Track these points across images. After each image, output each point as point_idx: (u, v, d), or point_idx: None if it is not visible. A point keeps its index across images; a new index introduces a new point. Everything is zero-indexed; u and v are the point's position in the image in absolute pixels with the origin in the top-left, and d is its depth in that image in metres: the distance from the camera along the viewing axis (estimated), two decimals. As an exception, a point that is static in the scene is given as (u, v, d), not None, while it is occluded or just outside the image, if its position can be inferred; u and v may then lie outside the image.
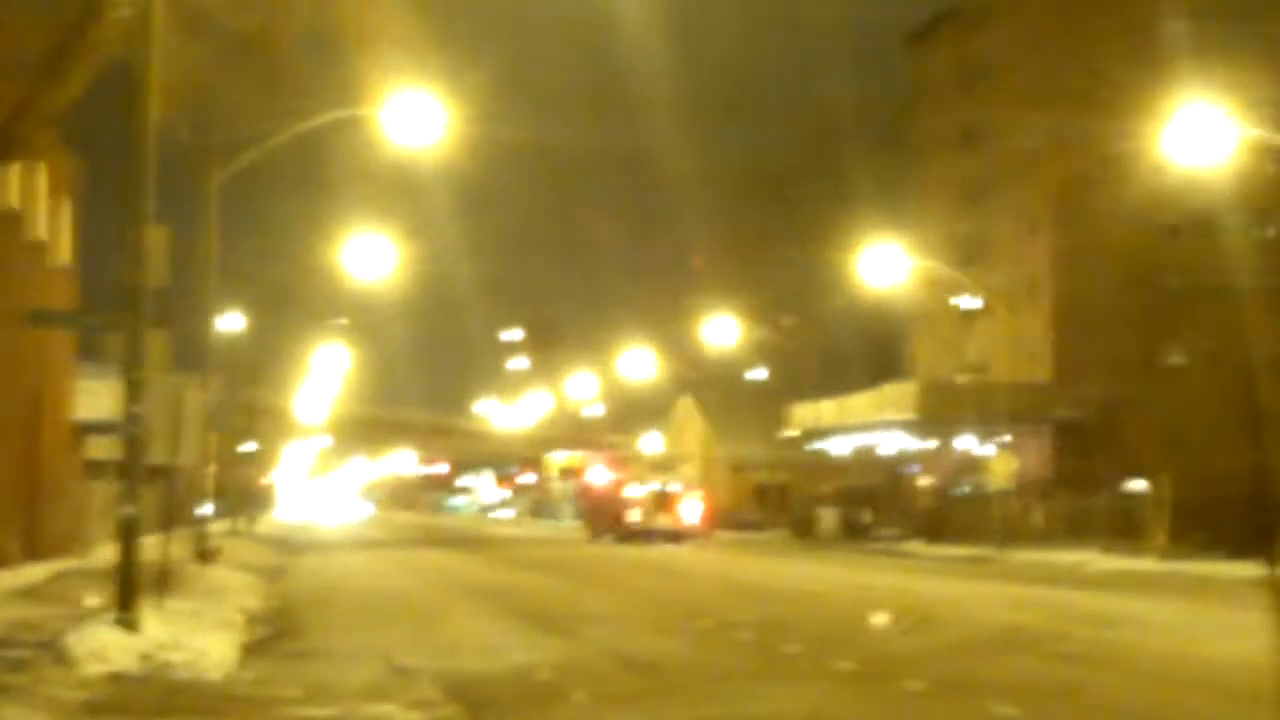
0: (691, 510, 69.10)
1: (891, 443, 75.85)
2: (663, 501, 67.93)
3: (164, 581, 20.38)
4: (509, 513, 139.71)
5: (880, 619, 22.98)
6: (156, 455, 19.75)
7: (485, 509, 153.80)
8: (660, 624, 22.65)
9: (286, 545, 57.47)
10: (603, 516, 70.89)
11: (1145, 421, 62.84)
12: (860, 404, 76.58)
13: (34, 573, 28.52)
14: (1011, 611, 24.77)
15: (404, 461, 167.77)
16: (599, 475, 75.36)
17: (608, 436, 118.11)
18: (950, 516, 65.28)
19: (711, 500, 73.11)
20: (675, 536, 64.90)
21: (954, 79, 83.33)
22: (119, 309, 17.68)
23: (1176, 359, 71.33)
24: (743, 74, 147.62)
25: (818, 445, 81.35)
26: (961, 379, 76.33)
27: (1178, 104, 37.18)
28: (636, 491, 68.36)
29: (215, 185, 32.32)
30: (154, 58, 17.20)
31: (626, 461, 74.97)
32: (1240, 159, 40.49)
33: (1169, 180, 52.91)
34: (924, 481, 75.00)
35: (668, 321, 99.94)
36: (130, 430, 16.78)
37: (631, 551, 55.71)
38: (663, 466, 73.32)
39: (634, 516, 67.39)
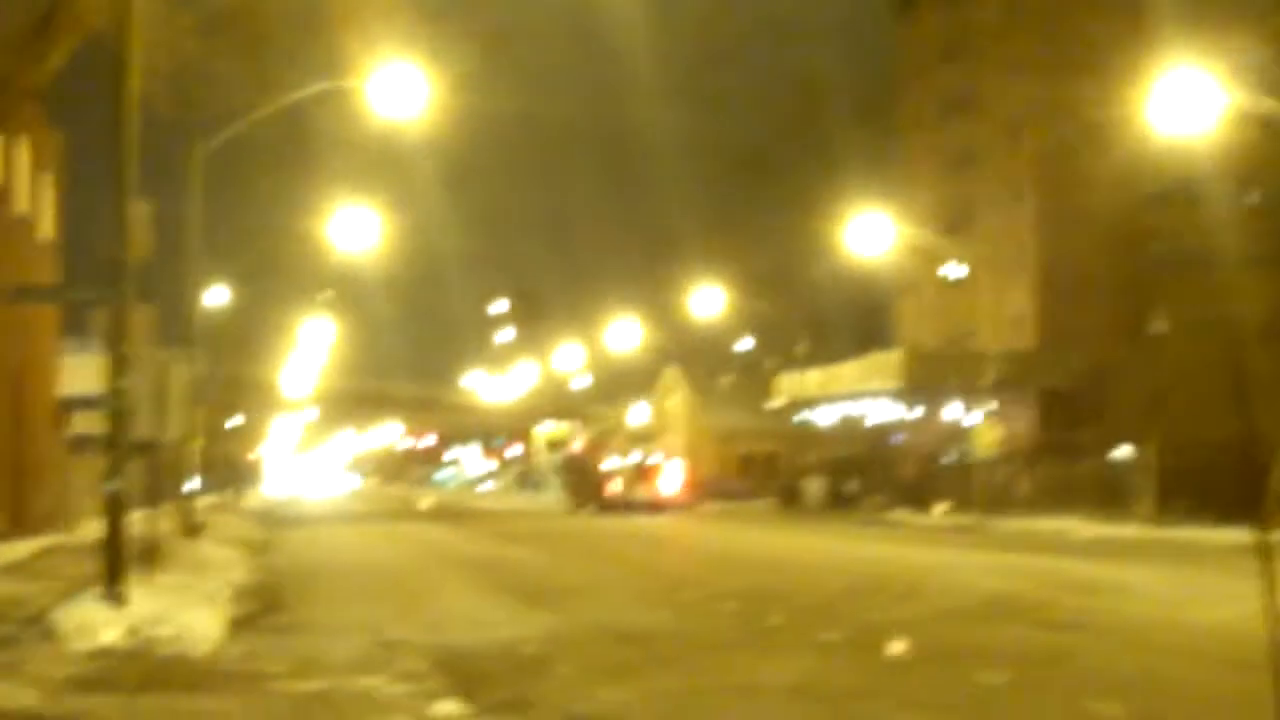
0: (671, 481, 69.88)
1: (878, 411, 75.96)
2: (643, 473, 68.97)
3: (151, 556, 20.37)
4: (492, 485, 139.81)
5: (867, 588, 23.03)
6: (142, 430, 19.71)
7: (471, 482, 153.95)
8: (647, 596, 22.67)
9: (273, 520, 57.49)
10: (584, 488, 71.44)
11: (1130, 389, 62.97)
12: (846, 373, 76.70)
13: (20, 549, 28.50)
14: (998, 579, 24.80)
15: (391, 434, 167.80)
16: (580, 447, 76.30)
17: (594, 407, 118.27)
18: (936, 485, 65.39)
19: (694, 471, 73.51)
20: (655, 507, 65.59)
21: (939, 47, 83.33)
22: (103, 283, 17.61)
23: (1161, 326, 71.43)
24: (726, 44, 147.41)
25: (804, 415, 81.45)
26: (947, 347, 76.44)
27: (1163, 70, 37.15)
28: (617, 464, 69.18)
29: (199, 158, 32.23)
30: (135, 30, 17.09)
31: (607, 434, 76.08)
32: (1225, 125, 40.49)
33: (1154, 147, 52.89)
34: (910, 449, 75.15)
35: (653, 292, 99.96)
36: (115, 405, 16.73)
37: (617, 523, 55.77)
38: (643, 438, 74.27)
39: (614, 488, 68.45)
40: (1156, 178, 67.97)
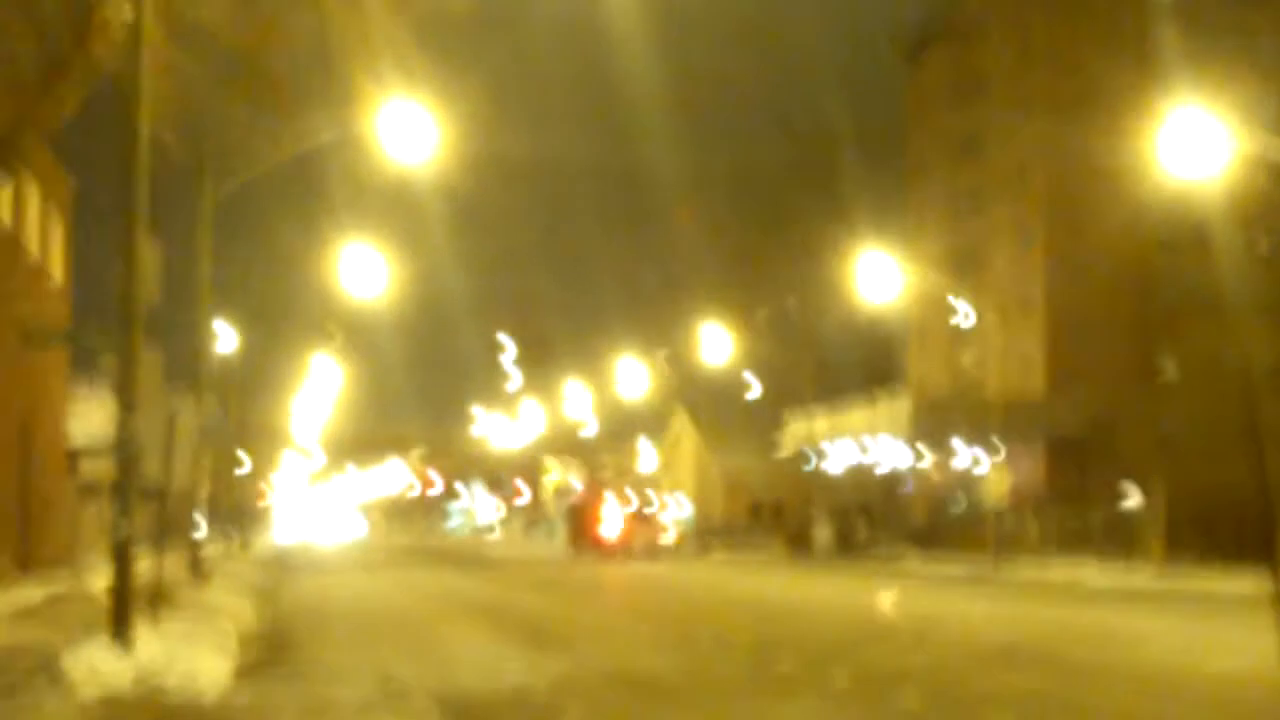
0: (669, 529, 71.31)
1: (886, 457, 75.84)
2: (641, 520, 69.90)
3: (158, 602, 20.30)
4: (500, 531, 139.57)
5: (876, 635, 22.94)
6: (149, 475, 19.67)
7: (479, 529, 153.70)
8: (656, 641, 22.58)
9: (281, 565, 57.38)
10: (584, 535, 72.15)
11: (1140, 435, 62.82)
12: (854, 419, 76.61)
13: (28, 594, 28.43)
14: (1008, 627, 24.70)
15: (399, 479, 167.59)
16: (581, 495, 77.53)
17: (602, 453, 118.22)
18: (945, 531, 65.26)
19: (700, 518, 74.07)
20: (653, 554, 66.65)
21: (947, 90, 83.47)
22: (111, 328, 17.60)
23: (1170, 372, 71.34)
24: (735, 89, 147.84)
25: (812, 461, 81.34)
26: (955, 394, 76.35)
27: (1172, 114, 37.17)
28: (615, 511, 70.16)
29: (210, 203, 32.27)
30: (146, 74, 17.14)
31: (606, 481, 77.84)
32: (1234, 171, 40.48)
33: (1163, 191, 52.92)
34: (919, 496, 75.03)
35: (662, 335, 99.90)
36: (123, 450, 16.69)
37: (626, 570, 55.63)
38: (644, 485, 76.65)
39: (613, 535, 69.34)
40: (1166, 222, 68.08)
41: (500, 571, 54.17)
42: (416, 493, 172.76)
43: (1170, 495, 48.40)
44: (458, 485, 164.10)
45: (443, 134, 26.35)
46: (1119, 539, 50.38)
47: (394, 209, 39.83)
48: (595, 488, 77.92)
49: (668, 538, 70.28)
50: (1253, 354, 56.01)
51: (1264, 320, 67.26)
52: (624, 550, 67.60)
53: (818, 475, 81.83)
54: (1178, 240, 69.60)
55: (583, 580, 45.41)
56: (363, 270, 43.42)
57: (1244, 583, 33.23)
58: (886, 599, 33.08)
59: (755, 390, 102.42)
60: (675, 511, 72.26)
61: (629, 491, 74.23)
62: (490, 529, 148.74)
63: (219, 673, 16.49)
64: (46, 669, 15.67)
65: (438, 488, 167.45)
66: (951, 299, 74.26)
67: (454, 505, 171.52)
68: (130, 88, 16.84)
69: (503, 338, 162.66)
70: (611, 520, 70.08)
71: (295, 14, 20.58)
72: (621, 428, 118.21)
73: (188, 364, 33.75)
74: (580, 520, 74.63)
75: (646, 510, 71.22)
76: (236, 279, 51.46)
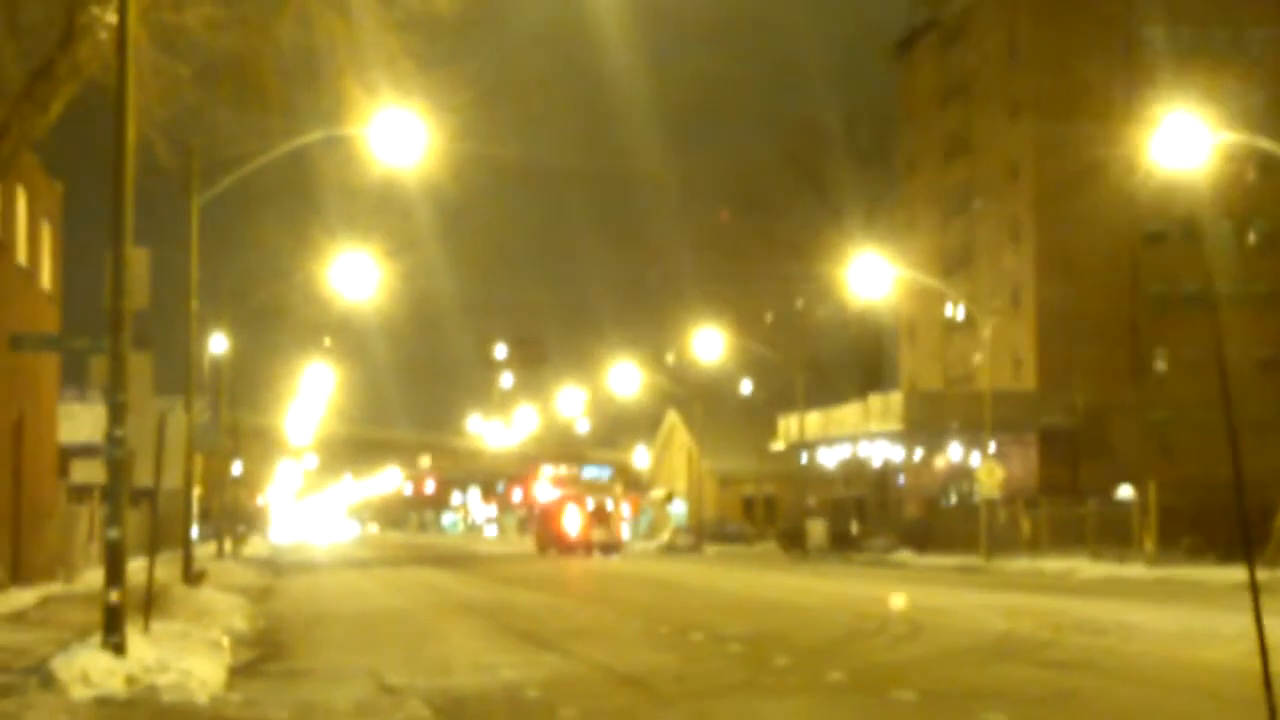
0: (624, 527, 79.37)
1: (879, 453, 75.90)
2: (598, 518, 75.94)
3: (151, 604, 20.30)
4: (493, 530, 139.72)
5: (870, 629, 22.98)
6: (140, 478, 19.67)
7: (472, 527, 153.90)
8: (650, 638, 22.60)
9: (274, 566, 57.36)
10: (547, 532, 78.26)
11: (1131, 428, 62.97)
12: (847, 415, 76.66)
13: (20, 597, 28.41)
14: (1001, 620, 24.74)
15: (392, 480, 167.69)
16: (545, 495, 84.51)
17: (594, 452, 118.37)
18: (938, 526, 65.34)
19: (693, 514, 77.60)
20: (608, 549, 73.33)
21: (937, 90, 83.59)
22: (101, 332, 17.61)
23: (1161, 365, 71.46)
24: (725, 89, 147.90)
25: (805, 457, 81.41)
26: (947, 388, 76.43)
27: (1158, 111, 37.27)
28: (575, 512, 76.32)
29: (197, 206, 32.26)
30: (133, 79, 17.14)
31: (567, 481, 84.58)
32: (1220, 165, 40.59)
33: (1150, 187, 53.03)
34: (912, 490, 75.12)
35: (653, 335, 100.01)
36: (114, 453, 16.70)
37: (619, 565, 55.73)
38: (600, 487, 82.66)
39: (572, 531, 75.34)
40: (1155, 218, 68.21)
41: (490, 568, 54.23)
42: (410, 492, 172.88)
43: (1162, 487, 48.52)
44: (451, 484, 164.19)
45: (432, 137, 26.33)
46: (1111, 531, 50.48)
47: (384, 213, 39.78)
48: (558, 488, 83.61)
49: (623, 535, 77.54)
50: (1225, 345, 56.20)
51: (1256, 311, 67.41)
52: (583, 546, 73.69)
53: (810, 471, 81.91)
54: (1167, 235, 69.80)
55: (574, 577, 45.44)
56: (354, 273, 43.45)
57: (1236, 573, 33.29)
58: (879, 593, 33.16)
59: (747, 387, 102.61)
60: (629, 512, 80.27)
61: (586, 492, 79.96)
62: (484, 527, 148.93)
63: (212, 675, 16.49)
64: (38, 672, 15.68)
65: (430, 487, 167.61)
66: (942, 295, 74.30)
67: (449, 504, 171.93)
68: (115, 91, 16.83)
69: (494, 338, 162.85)
70: (571, 520, 75.72)
71: (280, 17, 20.56)
72: (614, 426, 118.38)
73: (180, 367, 33.75)
74: (546, 520, 79.95)
75: (604, 508, 76.52)
76: (227, 282, 51.48)
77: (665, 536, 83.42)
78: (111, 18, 17.69)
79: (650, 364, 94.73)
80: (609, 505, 77.31)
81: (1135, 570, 43.43)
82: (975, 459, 62.59)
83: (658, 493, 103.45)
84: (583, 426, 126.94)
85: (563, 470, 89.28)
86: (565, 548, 74.20)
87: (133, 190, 17.21)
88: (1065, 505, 56.72)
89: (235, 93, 22.06)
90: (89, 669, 15.48)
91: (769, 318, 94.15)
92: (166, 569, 28.61)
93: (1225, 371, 9.79)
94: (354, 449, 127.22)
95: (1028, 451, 70.36)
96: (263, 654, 20.91)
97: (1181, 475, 51.69)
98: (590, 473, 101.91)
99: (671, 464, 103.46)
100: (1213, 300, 50.70)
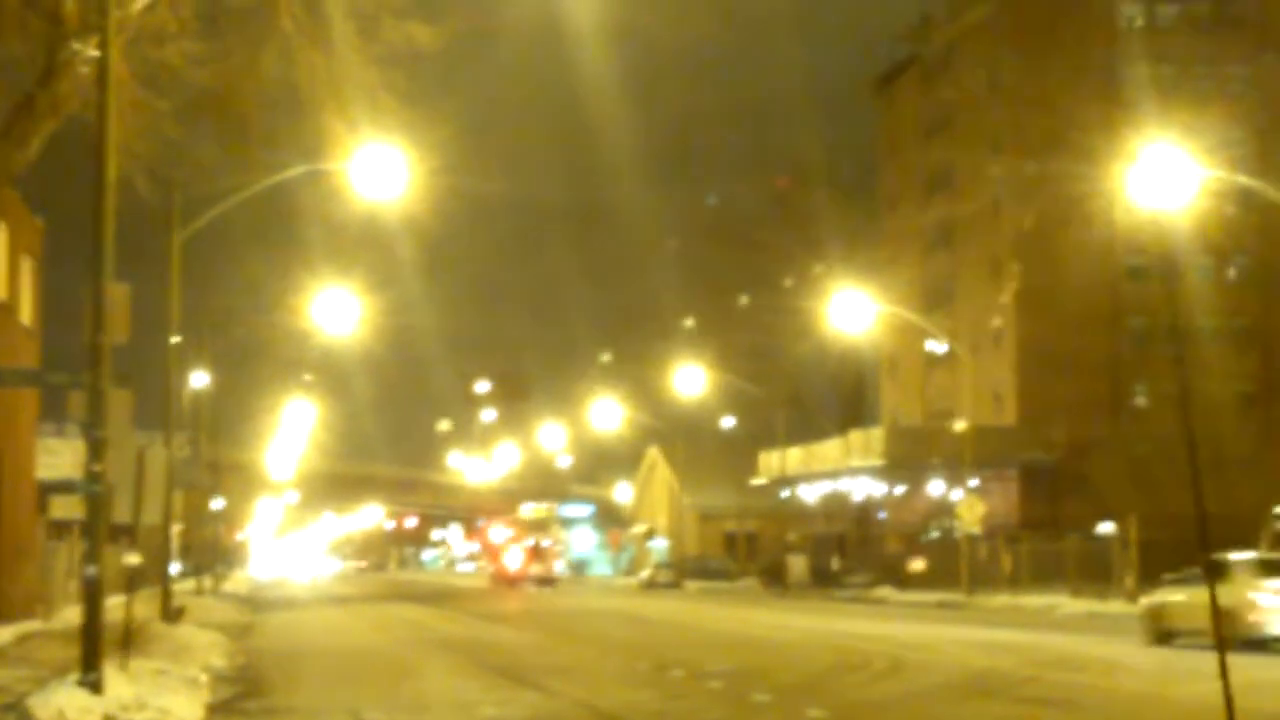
0: (559, 561, 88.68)
1: (860, 489, 75.87)
2: (535, 554, 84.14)
3: (129, 641, 20.20)
4: (471, 566, 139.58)
5: (851, 665, 22.93)
6: (119, 514, 19.59)
7: (453, 562, 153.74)
8: (630, 675, 22.53)
9: (254, 602, 57.10)
10: (494, 567, 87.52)
11: (1111, 463, 62.95)
12: (828, 450, 76.66)
13: (-2, 634, 28.26)
14: (982, 656, 24.71)
15: (372, 516, 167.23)
16: (497, 534, 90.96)
17: (576, 487, 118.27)
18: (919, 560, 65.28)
19: (674, 549, 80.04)
20: (544, 581, 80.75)
21: (919, 125, 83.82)
22: (80, 367, 17.56)
23: (1141, 400, 71.54)
24: (707, 124, 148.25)
25: (787, 492, 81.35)
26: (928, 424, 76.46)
27: (1139, 147, 37.36)
28: (516, 547, 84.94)
29: (178, 242, 32.19)
30: (113, 114, 17.13)
31: (514, 523, 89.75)
32: (1201, 201, 40.69)
33: (1131, 223, 53.18)
34: (892, 526, 75.09)
35: (635, 371, 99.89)
36: (93, 489, 16.64)
37: (599, 601, 55.61)
38: (539, 526, 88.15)
39: (514, 566, 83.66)
40: (1135, 253, 68.38)
41: (470, 604, 54.08)
42: (391, 527, 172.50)
43: (1142, 523, 48.48)
44: (432, 520, 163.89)
45: (414, 171, 26.30)
46: (1092, 566, 50.44)
47: (366, 247, 39.75)
48: (507, 528, 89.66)
49: (557, 569, 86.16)
50: (1206, 380, 56.37)
51: (1238, 346, 67.58)
52: (522, 579, 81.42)
53: (792, 506, 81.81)
54: (1147, 270, 69.97)
55: (553, 613, 45.30)
56: (336, 308, 43.35)
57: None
58: (860, 629, 33.11)
59: (729, 422, 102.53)
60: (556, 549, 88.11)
61: (526, 531, 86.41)
62: (464, 562, 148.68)
63: (190, 713, 16.42)
64: (15, 710, 15.58)
65: (411, 522, 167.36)
66: (923, 331, 74.44)
67: (430, 545, 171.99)
68: (98, 128, 16.82)
69: (476, 374, 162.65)
70: (512, 556, 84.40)
71: (262, 52, 20.55)
72: (596, 462, 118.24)
73: (160, 402, 33.64)
74: (493, 557, 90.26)
75: (541, 545, 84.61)
76: (209, 317, 51.37)
77: (646, 573, 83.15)
78: (92, 53, 17.68)
79: (633, 399, 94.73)
80: (545, 544, 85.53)
81: (1116, 606, 43.40)
82: (956, 494, 62.53)
83: (639, 528, 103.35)
84: (564, 462, 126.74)
85: (526, 511, 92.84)
86: (508, 581, 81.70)
87: (113, 225, 17.19)
88: (1046, 541, 56.66)
89: (216, 128, 22.06)
90: (66, 707, 15.39)
91: (750, 353, 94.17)
92: (146, 605, 28.46)
93: (1189, 409, 9.82)
94: (335, 485, 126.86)
95: (1008, 487, 70.32)
96: (241, 691, 20.80)
97: (1163, 511, 51.52)
98: (570, 510, 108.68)
99: (653, 499, 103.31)
100: (1179, 340, 50.83)
